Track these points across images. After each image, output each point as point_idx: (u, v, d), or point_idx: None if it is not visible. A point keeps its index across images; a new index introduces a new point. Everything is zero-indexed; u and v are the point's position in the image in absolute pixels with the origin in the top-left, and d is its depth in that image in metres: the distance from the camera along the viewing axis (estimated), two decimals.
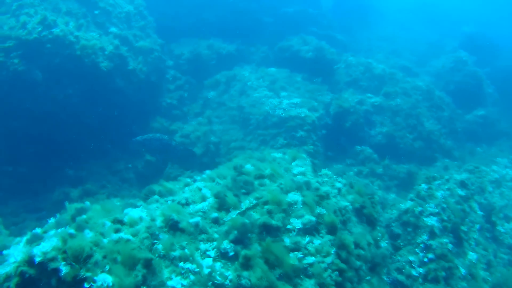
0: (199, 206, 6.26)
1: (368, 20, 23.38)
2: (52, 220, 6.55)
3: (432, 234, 8.56)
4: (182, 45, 16.26)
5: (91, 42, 11.09)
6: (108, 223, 5.77)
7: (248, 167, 7.43)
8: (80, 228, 5.64)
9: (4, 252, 5.63)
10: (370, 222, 7.63)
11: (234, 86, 14.14)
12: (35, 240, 5.61)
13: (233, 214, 6.13)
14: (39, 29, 10.48)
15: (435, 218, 8.66)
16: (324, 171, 7.88)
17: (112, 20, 12.50)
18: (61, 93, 10.86)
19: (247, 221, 5.83)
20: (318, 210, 6.51)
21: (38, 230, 6.07)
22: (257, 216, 6.11)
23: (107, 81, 11.57)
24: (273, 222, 6.07)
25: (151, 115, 13.67)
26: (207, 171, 7.84)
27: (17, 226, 10.14)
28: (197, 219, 5.84)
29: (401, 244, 8.80)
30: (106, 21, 12.31)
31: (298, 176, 7.37)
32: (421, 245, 8.46)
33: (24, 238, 5.76)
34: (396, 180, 12.65)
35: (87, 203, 8.20)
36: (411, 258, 8.46)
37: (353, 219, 7.37)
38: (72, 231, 5.47)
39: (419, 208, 8.90)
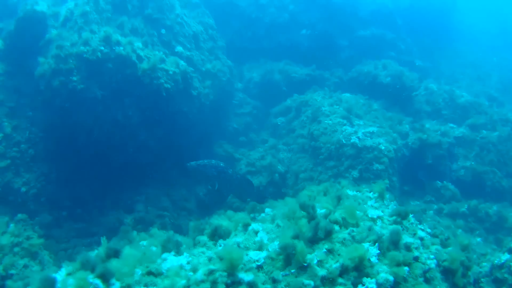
0: (252, 255, 5.05)
1: (450, 45, 21.57)
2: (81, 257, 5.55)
3: None
4: (253, 67, 15.30)
5: (154, 62, 10.21)
6: (139, 272, 4.71)
7: (317, 207, 6.17)
8: (107, 276, 4.61)
9: None
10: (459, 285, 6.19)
11: (305, 111, 12.88)
12: (51, 286, 4.64)
13: (293, 268, 4.89)
14: (101, 47, 9.75)
15: None
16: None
17: (178, 39, 11.63)
18: (121, 114, 10.07)
19: (310, 282, 4.60)
20: (396, 268, 5.18)
21: (63, 272, 5.09)
22: (323, 273, 4.86)
23: (169, 103, 10.64)
24: (341, 280, 4.81)
25: (216, 140, 12.71)
26: (267, 209, 6.66)
27: (66, 252, 9.37)
28: (249, 276, 4.63)
29: None
30: (172, 40, 11.45)
31: (377, 221, 6.04)
32: None
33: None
34: (482, 223, 10.95)
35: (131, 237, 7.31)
36: None
37: (437, 275, 5.97)
38: (96, 281, 4.44)
39: None
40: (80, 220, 10.11)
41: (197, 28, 12.47)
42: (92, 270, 5.00)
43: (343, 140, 11.02)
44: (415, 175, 11.92)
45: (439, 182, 11.76)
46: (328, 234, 5.41)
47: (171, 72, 10.53)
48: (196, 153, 11.85)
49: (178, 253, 5.40)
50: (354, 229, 5.60)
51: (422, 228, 6.44)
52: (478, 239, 10.51)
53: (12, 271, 7.25)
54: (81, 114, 9.83)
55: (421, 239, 6.03)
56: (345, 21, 16.60)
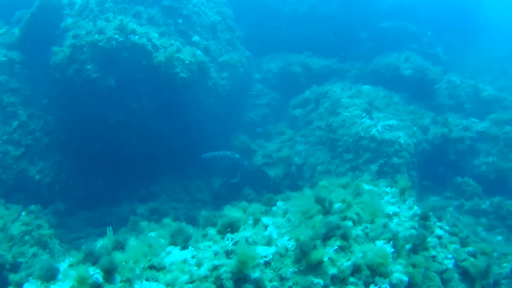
0: (260, 250, 4.78)
1: (474, 39, 20.91)
2: (85, 248, 5.34)
3: None
4: (272, 58, 14.96)
5: (171, 53, 10.00)
6: (141, 266, 4.50)
7: (331, 200, 5.85)
8: (109, 269, 4.39)
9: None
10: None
11: (323, 103, 12.48)
12: (53, 276, 4.46)
13: (302, 266, 4.61)
14: (116, 35, 9.55)
15: None
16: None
17: (196, 29, 11.37)
18: (136, 103, 9.86)
19: (320, 281, 4.32)
20: (411, 268, 4.85)
21: (65, 264, 4.90)
22: (333, 271, 4.57)
23: (185, 93, 10.40)
24: (352, 279, 4.52)
25: (232, 131, 12.45)
26: (279, 203, 6.37)
27: (79, 241, 9.23)
28: (256, 273, 4.35)
29: None
30: (189, 29, 11.19)
31: (393, 218, 5.69)
32: None
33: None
34: (504, 220, 10.47)
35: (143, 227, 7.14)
36: None
37: (455, 276, 5.63)
38: (97, 275, 4.22)
39: None
40: (94, 209, 9.98)
41: (215, 18, 12.20)
42: (95, 262, 4.81)
43: (362, 133, 10.67)
44: (435, 170, 11.49)
45: (459, 178, 11.31)
46: (343, 235, 5.08)
47: (187, 62, 10.28)
48: (212, 144, 11.62)
49: (186, 246, 5.16)
50: (368, 225, 5.28)
51: (441, 225, 6.10)
52: (499, 238, 10.08)
53: (21, 259, 7.11)
54: (95, 103, 9.66)
55: (439, 237, 5.70)
56: (366, 12, 16.17)
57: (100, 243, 5.58)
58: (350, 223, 5.26)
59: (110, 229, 5.74)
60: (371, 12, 16.31)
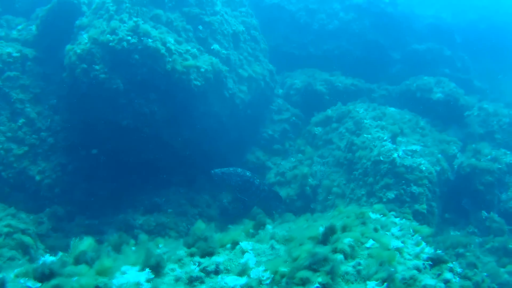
0: (229, 280, 4.03)
1: (510, 68, 19.77)
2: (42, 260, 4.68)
3: None
4: (296, 73, 14.18)
5: (185, 58, 9.42)
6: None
7: (329, 227, 5.02)
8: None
9: None
10: None
11: (345, 123, 11.60)
12: None
13: None
14: (129, 37, 9.00)
15: None
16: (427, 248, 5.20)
17: (216, 37, 10.69)
18: (144, 109, 9.25)
19: None
20: None
21: (12, 274, 4.26)
22: None
23: (199, 102, 9.76)
24: None
25: (248, 145, 11.72)
26: (268, 226, 5.60)
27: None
28: None
29: None
30: (209, 36, 10.53)
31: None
32: None
33: None
34: None
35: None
36: None
37: None
38: None
39: None
40: (92, 216, 9.38)
41: (238, 27, 11.52)
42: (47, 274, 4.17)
43: (381, 157, 9.79)
44: (458, 202, 10.51)
45: (485, 213, 10.30)
46: (328, 270, 4.26)
47: (202, 70, 9.64)
48: (225, 158, 10.95)
49: (157, 266, 4.44)
50: (362, 261, 4.45)
51: (451, 267, 5.18)
52: None
53: None
54: (102, 106, 9.13)
55: (446, 281, 4.77)
56: (398, 32, 15.32)
57: (60, 255, 4.95)
58: (340, 257, 4.44)
59: (77, 240, 5.12)
60: (403, 33, 15.46)
